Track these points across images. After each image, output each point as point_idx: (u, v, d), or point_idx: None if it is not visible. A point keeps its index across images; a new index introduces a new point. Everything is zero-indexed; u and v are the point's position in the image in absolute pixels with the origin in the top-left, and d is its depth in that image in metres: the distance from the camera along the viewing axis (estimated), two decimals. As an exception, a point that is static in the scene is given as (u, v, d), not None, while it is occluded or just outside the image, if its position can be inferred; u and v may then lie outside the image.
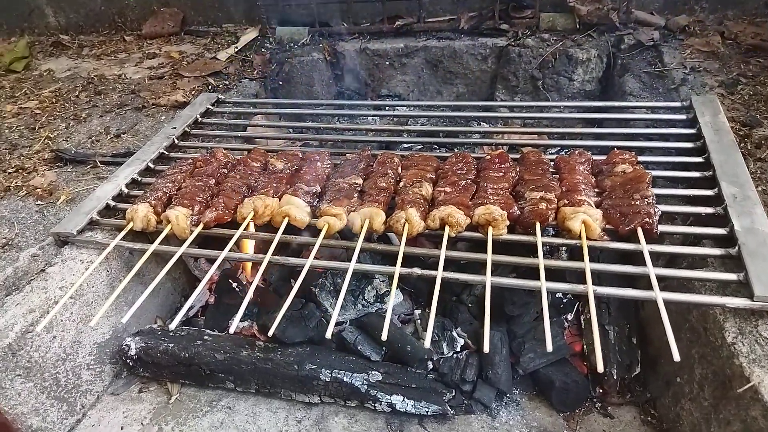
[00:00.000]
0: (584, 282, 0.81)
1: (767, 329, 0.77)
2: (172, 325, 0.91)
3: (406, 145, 1.37)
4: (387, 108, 1.65)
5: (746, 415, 0.72)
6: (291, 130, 1.55)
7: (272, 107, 1.55)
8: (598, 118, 1.30)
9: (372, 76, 1.80)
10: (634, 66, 1.51)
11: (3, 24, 2.30)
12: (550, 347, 0.71)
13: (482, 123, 1.58)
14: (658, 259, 0.95)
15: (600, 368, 0.70)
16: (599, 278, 0.99)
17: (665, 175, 1.04)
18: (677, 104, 1.22)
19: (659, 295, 0.76)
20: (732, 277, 0.80)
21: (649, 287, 0.78)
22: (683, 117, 1.17)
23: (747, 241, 0.83)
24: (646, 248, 0.84)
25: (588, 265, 0.83)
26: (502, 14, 1.70)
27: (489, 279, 0.84)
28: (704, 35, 1.56)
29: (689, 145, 1.09)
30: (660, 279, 0.84)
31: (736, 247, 0.83)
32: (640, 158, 1.08)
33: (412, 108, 1.57)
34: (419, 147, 1.33)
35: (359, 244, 0.93)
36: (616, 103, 1.33)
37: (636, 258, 0.89)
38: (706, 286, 0.83)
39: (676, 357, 0.68)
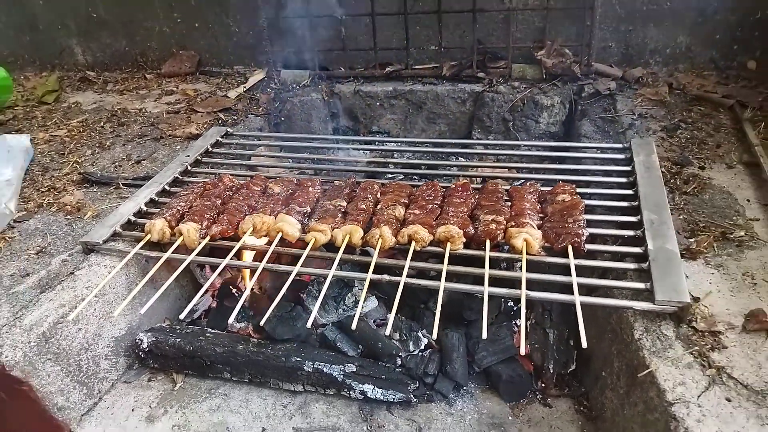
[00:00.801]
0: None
1: (667, 328, 0.92)
2: (182, 315, 1.06)
3: (390, 176, 1.54)
4: (376, 143, 1.83)
5: (646, 396, 0.87)
6: (290, 160, 1.73)
7: (274, 140, 1.73)
8: (557, 155, 1.47)
9: (364, 115, 1.99)
10: (591, 112, 1.69)
11: (36, 61, 2.52)
12: (485, 335, 0.87)
13: (460, 158, 1.75)
14: (593, 272, 1.10)
15: (522, 350, 0.85)
16: (546, 287, 1.14)
17: (604, 204, 1.21)
18: (619, 146, 1.40)
19: (577, 299, 0.92)
20: (641, 286, 0.96)
21: (587, 294, 0.94)
22: (622, 156, 1.35)
23: (657, 257, 0.99)
24: (572, 262, 1.01)
25: (524, 275, 0.99)
26: (479, 64, 1.90)
27: (443, 284, 1.00)
28: (655, 85, 1.75)
29: (624, 179, 1.26)
30: (589, 287, 1.00)
31: (647, 263, 0.99)
32: (586, 190, 1.25)
33: (398, 143, 1.75)
34: (401, 177, 1.49)
35: (339, 254, 1.09)
36: (571, 144, 1.51)
37: (578, 271, 1.05)
38: (623, 294, 0.99)
39: (584, 344, 0.84)
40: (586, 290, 1.02)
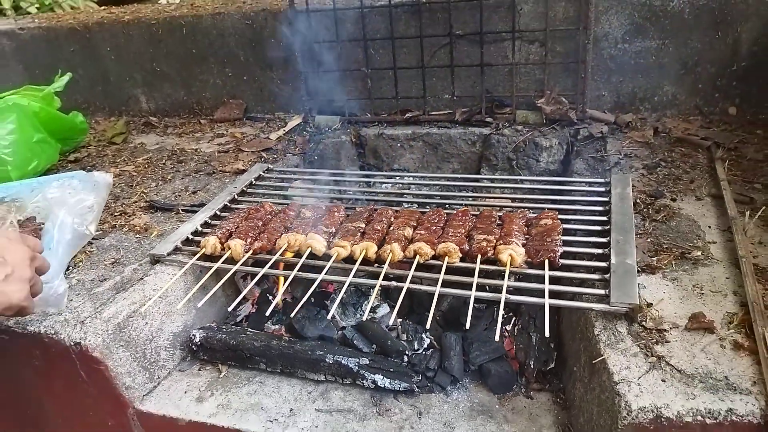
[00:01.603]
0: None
1: (621, 326, 1.10)
2: (230, 308, 1.28)
3: (407, 205, 1.76)
4: (396, 178, 2.06)
5: (600, 380, 1.04)
6: (321, 191, 1.97)
7: (308, 174, 1.98)
8: (552, 188, 1.67)
9: (387, 155, 2.23)
10: (585, 152, 1.89)
11: (106, 107, 2.87)
12: (468, 325, 1.07)
13: (467, 191, 1.96)
14: (569, 283, 1.28)
15: (497, 337, 1.04)
16: (526, 294, 1.33)
17: (582, 228, 1.40)
18: (601, 180, 1.59)
19: (546, 302, 1.11)
20: (601, 292, 1.14)
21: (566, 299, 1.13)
22: (603, 189, 1.54)
23: (617, 270, 1.18)
24: (547, 273, 1.20)
25: (506, 282, 1.19)
26: (487, 110, 2.13)
27: (438, 289, 1.20)
28: (642, 129, 1.95)
29: (601, 208, 1.45)
30: (560, 294, 1.19)
31: (609, 274, 1.18)
32: (569, 216, 1.45)
33: (414, 178, 1.97)
34: (416, 207, 1.71)
35: (356, 265, 1.31)
36: (562, 179, 1.71)
37: (555, 281, 1.23)
38: (587, 299, 1.17)
39: (547, 333, 1.03)
40: (558, 297, 1.20)
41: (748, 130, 1.90)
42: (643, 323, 1.10)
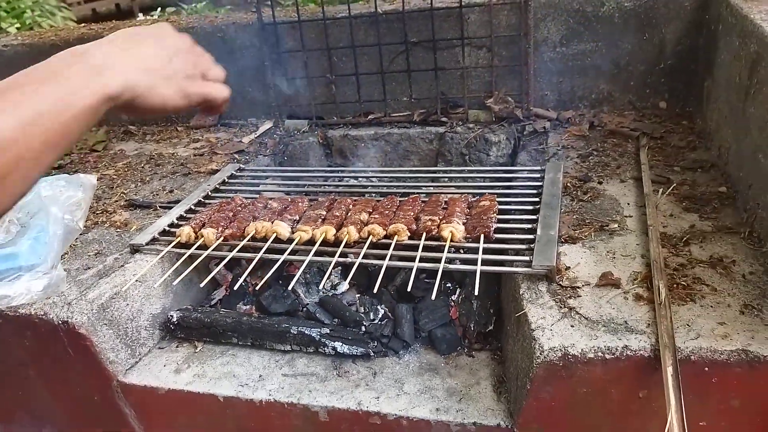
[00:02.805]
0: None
1: (542, 286, 1.26)
2: (202, 284, 1.43)
3: (368, 196, 1.91)
4: (360, 172, 2.21)
5: (523, 330, 1.20)
6: (288, 186, 2.12)
7: (278, 173, 2.13)
8: (499, 176, 1.85)
9: (352, 154, 2.39)
10: (529, 145, 2.07)
11: (88, 118, 3.00)
12: (408, 288, 1.23)
13: (423, 182, 2.13)
14: (507, 252, 1.44)
15: (433, 296, 1.21)
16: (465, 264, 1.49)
17: (517, 207, 1.58)
18: (538, 168, 1.78)
19: (478, 268, 1.28)
20: (526, 258, 1.31)
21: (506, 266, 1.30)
22: (538, 176, 1.72)
23: (540, 239, 1.35)
24: (481, 245, 1.37)
25: (444, 254, 1.35)
26: (442, 111, 2.30)
27: (386, 262, 1.36)
28: (580, 124, 2.14)
29: (534, 191, 1.63)
30: (494, 262, 1.35)
31: (534, 244, 1.35)
32: (507, 199, 1.63)
33: (375, 172, 2.13)
34: (376, 196, 1.87)
35: (316, 246, 1.47)
36: (506, 168, 1.89)
37: (490, 252, 1.40)
38: (515, 264, 1.34)
39: (476, 292, 1.19)
40: (491, 265, 1.37)
41: (676, 121, 2.10)
42: (560, 282, 1.27)
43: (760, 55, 1.41)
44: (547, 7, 2.11)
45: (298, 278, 1.63)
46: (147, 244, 1.62)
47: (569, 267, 1.31)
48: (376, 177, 2.10)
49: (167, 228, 1.68)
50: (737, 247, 1.34)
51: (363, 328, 1.49)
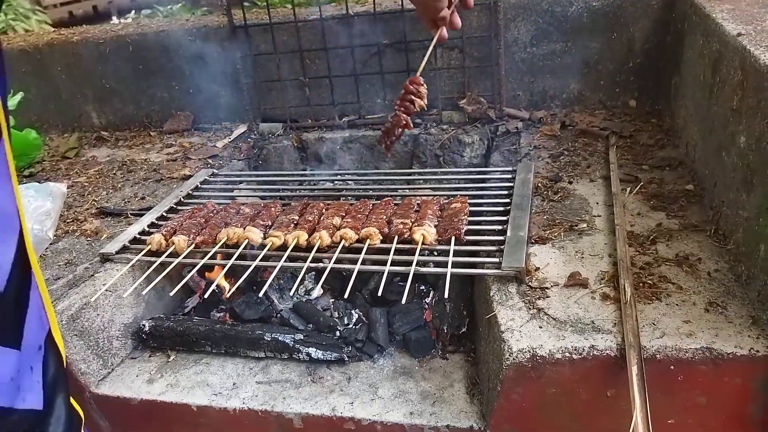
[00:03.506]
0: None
1: (511, 287, 1.27)
2: (172, 293, 1.42)
3: (343, 199, 1.91)
4: (336, 176, 2.21)
5: (494, 332, 1.21)
6: (263, 191, 2.11)
7: (252, 177, 2.12)
8: (472, 178, 1.85)
9: (327, 157, 2.38)
10: (502, 146, 2.08)
11: (59, 124, 2.94)
12: (379, 292, 1.23)
13: (402, 184, 2.13)
14: (478, 254, 1.45)
15: (404, 300, 1.21)
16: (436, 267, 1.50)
17: (488, 209, 1.58)
18: (509, 168, 1.79)
19: (449, 270, 1.28)
20: (496, 260, 1.32)
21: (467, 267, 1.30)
22: (510, 176, 1.73)
23: (510, 241, 1.36)
24: (452, 248, 1.37)
25: (416, 257, 1.35)
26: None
27: (357, 267, 1.36)
28: (551, 123, 2.16)
29: (505, 192, 1.64)
30: (465, 264, 1.36)
31: (504, 245, 1.36)
32: (479, 201, 1.63)
33: (351, 175, 2.13)
34: (351, 199, 1.86)
35: (288, 251, 1.46)
36: (478, 169, 1.90)
37: (460, 254, 1.40)
38: (485, 266, 1.35)
39: (446, 295, 1.19)
40: (463, 267, 1.37)
41: (645, 119, 2.13)
42: (530, 284, 1.27)
43: (721, 54, 1.43)
44: (516, 8, 2.12)
45: (272, 284, 1.62)
46: (117, 252, 1.60)
47: (539, 268, 1.32)
48: (351, 180, 2.09)
49: (138, 236, 1.66)
50: (703, 244, 1.36)
51: (337, 333, 1.48)
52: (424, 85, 1.32)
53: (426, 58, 1.31)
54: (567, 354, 1.10)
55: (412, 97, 1.32)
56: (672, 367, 1.08)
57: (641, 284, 1.23)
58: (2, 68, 0.71)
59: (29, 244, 0.75)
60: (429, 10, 1.21)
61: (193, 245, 1.55)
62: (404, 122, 1.33)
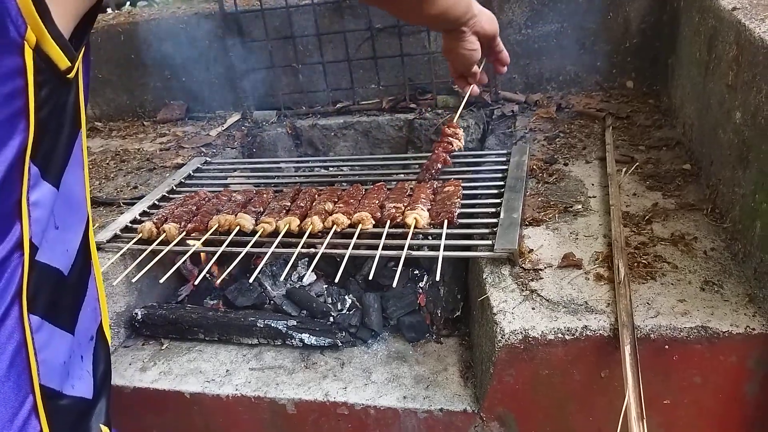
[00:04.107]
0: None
1: (504, 269, 1.25)
2: (162, 280, 1.41)
3: (337, 185, 1.88)
4: (330, 162, 2.19)
5: (486, 314, 1.20)
6: (256, 178, 2.09)
7: (245, 164, 2.10)
8: (466, 161, 1.83)
9: (322, 144, 2.36)
10: (498, 129, 2.06)
11: (53, 116, 2.93)
12: (370, 276, 1.21)
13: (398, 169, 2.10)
14: (472, 237, 1.43)
15: (394, 284, 1.19)
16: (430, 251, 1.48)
17: (483, 192, 1.57)
18: (504, 151, 1.76)
19: (441, 254, 1.27)
20: (489, 243, 1.30)
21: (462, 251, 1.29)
22: (504, 159, 1.71)
23: (503, 223, 1.34)
24: (444, 231, 1.36)
25: (408, 241, 1.34)
26: (411, 98, 2.28)
27: (349, 251, 1.35)
28: (547, 106, 2.13)
29: (500, 174, 1.62)
30: (458, 247, 1.34)
31: (497, 228, 1.34)
32: (473, 184, 1.61)
33: (344, 161, 2.11)
34: (346, 185, 1.83)
35: (279, 237, 1.45)
36: (473, 152, 1.88)
37: (454, 237, 1.38)
38: (478, 249, 1.33)
39: (438, 278, 1.18)
40: (456, 250, 1.36)
41: (642, 100, 2.10)
42: (523, 265, 1.26)
43: (717, 30, 1.40)
44: (511, -11, 2.10)
45: (265, 271, 1.62)
46: (108, 241, 1.58)
47: (532, 249, 1.31)
48: (346, 166, 2.07)
49: (129, 224, 1.65)
50: (699, 223, 1.34)
51: (331, 319, 1.47)
52: (461, 128, 1.71)
53: (459, 112, 1.73)
54: (560, 335, 1.08)
55: (450, 139, 1.68)
56: (667, 346, 1.06)
57: (636, 264, 1.21)
58: (88, 54, 0.70)
59: (92, 235, 0.78)
60: (461, 65, 1.36)
61: (185, 233, 1.53)
62: (443, 158, 1.66)
